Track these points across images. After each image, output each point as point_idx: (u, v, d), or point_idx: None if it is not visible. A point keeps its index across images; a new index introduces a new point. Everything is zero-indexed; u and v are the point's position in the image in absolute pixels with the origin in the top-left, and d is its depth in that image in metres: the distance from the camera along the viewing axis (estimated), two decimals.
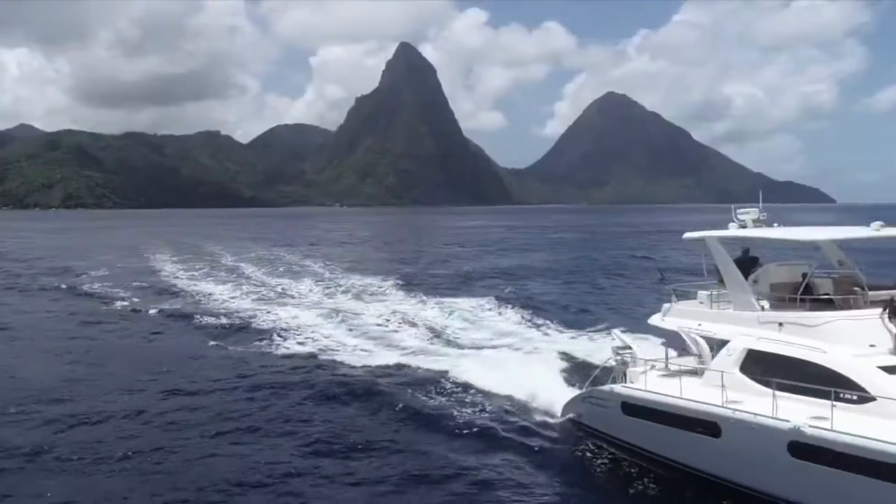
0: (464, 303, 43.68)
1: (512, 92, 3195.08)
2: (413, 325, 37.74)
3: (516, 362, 28.58)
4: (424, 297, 46.78)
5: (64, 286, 57.18)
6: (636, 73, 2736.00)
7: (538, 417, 22.31)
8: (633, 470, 18.41)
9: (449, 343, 33.61)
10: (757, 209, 19.94)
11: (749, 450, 15.47)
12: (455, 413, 22.65)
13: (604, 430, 19.99)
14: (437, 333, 35.56)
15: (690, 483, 17.05)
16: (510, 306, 41.80)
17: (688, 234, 20.99)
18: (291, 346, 33.31)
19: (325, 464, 19.04)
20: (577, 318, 38.01)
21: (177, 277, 62.57)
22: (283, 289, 53.13)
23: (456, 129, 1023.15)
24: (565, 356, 29.21)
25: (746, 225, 19.86)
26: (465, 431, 21.18)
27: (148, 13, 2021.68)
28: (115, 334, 37.82)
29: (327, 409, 23.75)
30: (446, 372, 26.86)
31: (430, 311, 41.80)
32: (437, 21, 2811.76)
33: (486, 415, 22.54)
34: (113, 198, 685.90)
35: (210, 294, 51.17)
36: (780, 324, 17.04)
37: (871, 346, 15.65)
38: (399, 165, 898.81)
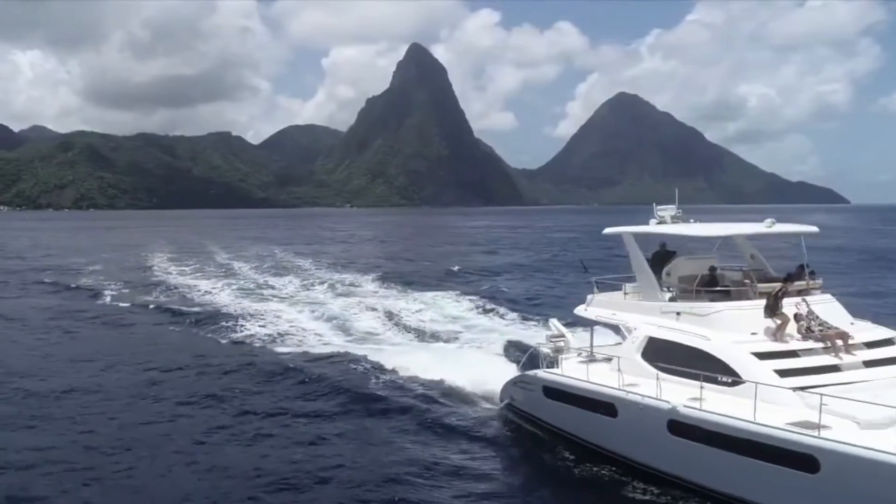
0: (436, 297, 44.38)
1: (523, 92, 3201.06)
2: (377, 317, 38.40)
3: (470, 352, 29.50)
4: (399, 292, 47.64)
5: (52, 281, 58.49)
6: (648, 73, 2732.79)
7: (480, 404, 23.11)
8: (555, 450, 19.09)
9: (410, 335, 34.30)
10: (674, 207, 20.94)
11: (638, 428, 16.52)
12: (399, 401, 23.34)
13: (531, 413, 20.93)
14: (399, 326, 36.25)
15: (597, 461, 17.87)
16: (477, 300, 42.56)
17: (607, 230, 22.26)
18: (251, 336, 34.35)
19: (259, 445, 19.63)
20: (539, 310, 38.65)
21: (168, 273, 63.77)
22: (264, 284, 54.16)
23: (467, 129, 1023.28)
24: (519, 346, 29.93)
25: (665, 221, 20.78)
26: (405, 419, 21.84)
27: (160, 15, 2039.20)
28: (89, 325, 38.76)
29: (273, 395, 24.49)
30: (399, 363, 27.47)
31: (400, 304, 42.44)
32: (449, 22, 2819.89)
33: (430, 403, 23.21)
34: (125, 199, 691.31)
35: (193, 288, 52.24)
36: (678, 313, 18.30)
37: (753, 333, 16.78)
38: (409, 166, 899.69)
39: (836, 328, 16.73)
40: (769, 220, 19.24)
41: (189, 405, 23.35)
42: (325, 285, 51.35)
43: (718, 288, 18.63)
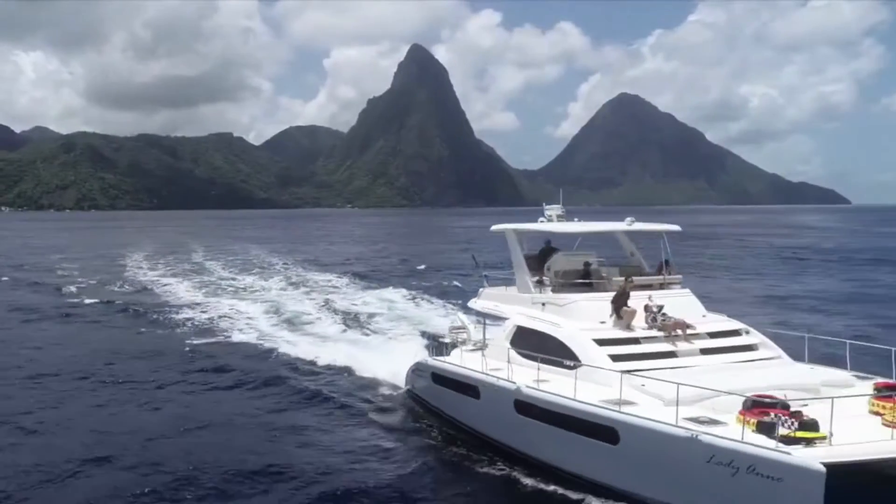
0: (386, 293, 45.37)
1: (525, 93, 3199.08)
2: (320, 311, 39.68)
3: (394, 344, 30.64)
4: (355, 288, 48.76)
5: (21, 277, 59.81)
6: (650, 73, 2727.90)
7: (388, 391, 24.31)
8: (445, 436, 19.92)
9: (344, 328, 35.29)
10: (559, 206, 22.23)
11: (494, 408, 17.75)
12: (312, 390, 24.42)
13: (425, 398, 22.23)
14: (338, 319, 37.27)
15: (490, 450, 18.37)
16: (423, 295, 43.69)
17: (494, 227, 23.48)
18: (186, 328, 35.71)
19: (168, 432, 20.30)
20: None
21: (137, 270, 65.29)
22: (226, 280, 55.39)
23: (468, 130, 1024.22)
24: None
25: (552, 220, 22.00)
26: (313, 406, 22.80)
27: (162, 15, 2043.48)
28: (51, 323, 39.40)
29: (191, 384, 25.62)
30: (324, 354, 28.68)
31: (348, 299, 43.70)
32: (451, 22, 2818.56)
33: (340, 391, 24.34)
34: (126, 199, 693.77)
35: (155, 284, 53.82)
36: (544, 304, 19.78)
37: (602, 322, 18.20)
38: (410, 167, 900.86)
39: (678, 319, 17.96)
40: (629, 218, 20.75)
41: (90, 392, 24.43)
42: (284, 281, 52.51)
43: (578, 281, 20.18)
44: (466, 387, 19.04)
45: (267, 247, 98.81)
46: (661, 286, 20.11)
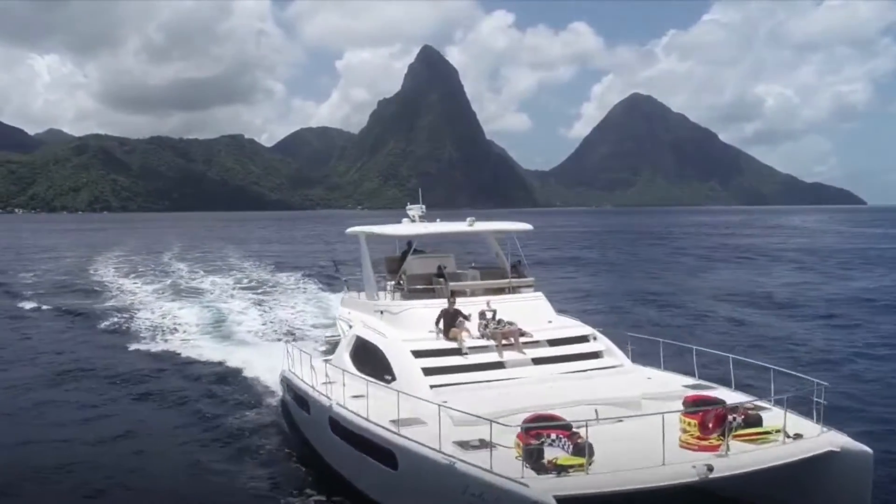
0: (330, 296, 44.89)
1: (538, 94, 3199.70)
2: (248, 314, 39.14)
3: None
4: (299, 291, 48.28)
5: None
6: (664, 73, 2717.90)
7: (267, 402, 23.17)
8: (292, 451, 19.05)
9: (268, 334, 34.49)
10: (420, 206, 21.31)
11: (319, 425, 16.73)
12: (194, 396, 23.79)
13: (286, 410, 21.24)
14: (265, 324, 36.57)
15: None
16: None
17: (349, 230, 22.85)
18: (120, 333, 35.43)
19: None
20: None
21: (101, 270, 66.12)
22: (188, 283, 55.21)
23: (479, 131, 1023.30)
24: None
25: (414, 220, 21.08)
26: (190, 414, 22.09)
27: (175, 18, 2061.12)
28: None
29: (61, 387, 25.47)
30: (233, 360, 27.98)
31: (286, 303, 43.21)
32: (464, 23, 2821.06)
33: (218, 399, 23.50)
34: (138, 201, 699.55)
35: (110, 284, 53.93)
36: (381, 312, 18.79)
37: (430, 332, 17.15)
38: (421, 168, 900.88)
39: (510, 327, 16.84)
40: (470, 218, 19.67)
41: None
42: (241, 283, 52.65)
43: (419, 287, 19.08)
44: (302, 399, 18.20)
45: (248, 248, 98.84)
46: (509, 290, 19.12)
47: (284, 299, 45.51)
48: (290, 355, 20.61)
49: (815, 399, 12.57)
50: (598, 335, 17.63)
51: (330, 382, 16.77)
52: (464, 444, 12.06)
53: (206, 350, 30.17)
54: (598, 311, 38.65)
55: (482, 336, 16.87)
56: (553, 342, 17.09)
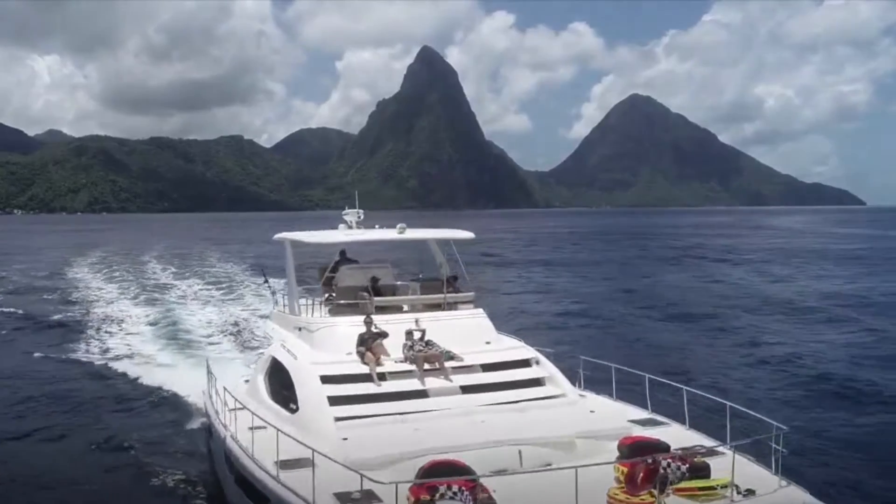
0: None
1: (538, 94, 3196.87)
2: (222, 324, 37.98)
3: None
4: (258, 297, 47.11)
5: None
6: (664, 74, 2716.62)
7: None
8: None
9: (214, 344, 33.13)
10: (357, 210, 18.86)
11: (218, 456, 15.11)
12: (124, 413, 22.86)
13: (204, 431, 19.45)
14: (239, 336, 34.87)
15: None
16: None
17: (276, 236, 20.52)
18: (57, 342, 34.64)
19: None
20: None
21: (70, 271, 67.22)
22: (153, 285, 55.30)
23: (478, 132, 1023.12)
24: None
25: (351, 225, 18.79)
26: (116, 432, 20.92)
27: (176, 19, 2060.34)
28: None
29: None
30: (176, 375, 26.33)
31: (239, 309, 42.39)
32: (464, 24, 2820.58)
33: (148, 420, 22.38)
34: (137, 202, 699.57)
35: (67, 289, 54.40)
36: (300, 328, 16.75)
37: (348, 353, 14.80)
38: (420, 169, 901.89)
39: (436, 350, 14.68)
40: (400, 225, 17.58)
41: None
42: (202, 286, 52.84)
43: (342, 302, 16.88)
44: (209, 427, 16.48)
45: (228, 248, 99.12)
46: (444, 306, 16.83)
47: (253, 305, 43.83)
48: (210, 374, 17.96)
49: (774, 445, 10.70)
50: (542, 359, 15.42)
51: (236, 409, 14.21)
52: (343, 497, 10.11)
53: (145, 361, 28.92)
54: (555, 327, 37.69)
55: (405, 360, 14.64)
56: (488, 367, 14.85)
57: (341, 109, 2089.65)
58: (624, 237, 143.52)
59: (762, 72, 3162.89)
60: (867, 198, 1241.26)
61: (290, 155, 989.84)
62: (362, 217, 18.80)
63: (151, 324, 37.95)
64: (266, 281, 23.39)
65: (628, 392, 15.33)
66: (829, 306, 44.38)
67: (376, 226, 18.63)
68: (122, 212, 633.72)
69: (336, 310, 16.85)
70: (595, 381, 15.89)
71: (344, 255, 19.65)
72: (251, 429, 12.85)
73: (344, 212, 19.11)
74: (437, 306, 17.00)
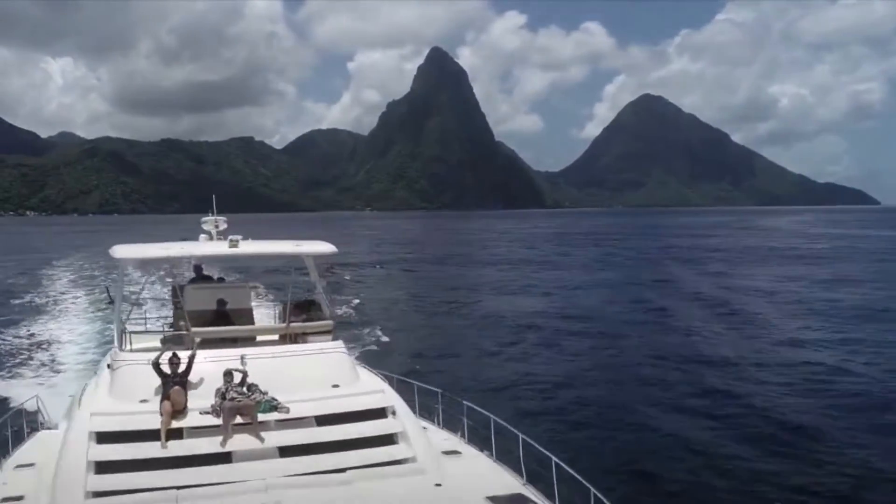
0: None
1: (550, 94, 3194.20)
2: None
3: None
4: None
5: None
6: (677, 73, 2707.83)
7: None
8: None
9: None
10: (216, 217, 16.13)
11: None
12: None
13: None
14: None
15: None
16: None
17: (117, 254, 14.96)
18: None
19: None
20: None
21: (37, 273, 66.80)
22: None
23: (488, 132, 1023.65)
24: None
25: (211, 235, 16.13)
26: None
27: (187, 21, 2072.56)
28: None
29: None
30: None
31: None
32: (476, 24, 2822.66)
33: None
34: (148, 203, 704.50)
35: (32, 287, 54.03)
36: (109, 366, 13.30)
37: (143, 401, 11.61)
38: (430, 169, 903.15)
39: (247, 399, 11.20)
40: (232, 237, 14.49)
41: None
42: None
43: (167, 332, 14.02)
44: None
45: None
46: (290, 338, 13.45)
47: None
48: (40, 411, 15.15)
49: None
50: (401, 408, 11.92)
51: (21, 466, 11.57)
52: None
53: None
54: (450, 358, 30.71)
55: (213, 410, 11.22)
56: (324, 420, 11.38)
57: (352, 110, 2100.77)
58: (618, 237, 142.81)
59: (776, 71, 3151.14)
60: (882, 197, 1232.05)
61: (301, 156, 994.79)
62: (222, 226, 16.05)
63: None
64: (111, 302, 16.89)
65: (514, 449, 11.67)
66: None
67: (240, 237, 14.97)
68: (133, 213, 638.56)
69: (169, 340, 13.33)
70: (478, 431, 12.49)
71: (200, 273, 16.73)
72: (7, 500, 10.15)
73: (203, 219, 16.34)
74: (284, 338, 13.68)
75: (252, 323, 14.67)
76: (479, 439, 12.26)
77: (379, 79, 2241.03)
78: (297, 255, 15.54)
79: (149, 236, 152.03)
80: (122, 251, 14.47)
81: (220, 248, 14.77)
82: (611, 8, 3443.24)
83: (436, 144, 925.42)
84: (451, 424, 12.88)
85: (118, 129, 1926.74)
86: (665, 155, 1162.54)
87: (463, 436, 12.56)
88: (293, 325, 13.65)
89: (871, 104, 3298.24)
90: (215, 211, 16.11)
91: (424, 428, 12.19)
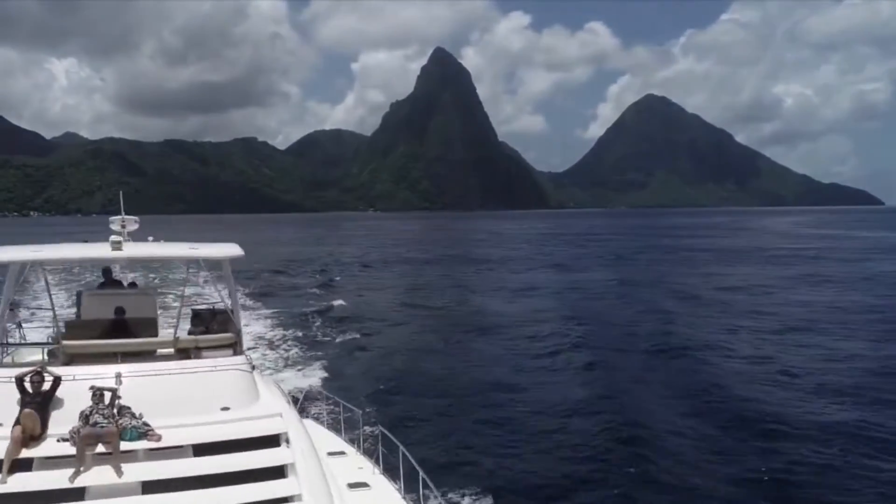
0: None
1: (554, 95, 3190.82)
2: None
3: None
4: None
5: None
6: (681, 73, 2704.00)
7: None
8: None
9: None
10: (124, 217, 13.88)
11: None
12: None
13: None
14: None
15: None
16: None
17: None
18: None
19: None
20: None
21: None
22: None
23: (491, 133, 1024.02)
24: None
25: (121, 236, 13.72)
26: None
27: (192, 22, 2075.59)
28: None
29: None
30: None
31: None
32: (480, 25, 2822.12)
33: None
34: (152, 203, 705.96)
35: None
36: None
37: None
38: (433, 170, 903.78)
39: (106, 427, 9.28)
40: (113, 238, 12.45)
41: None
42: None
43: (49, 343, 12.25)
44: None
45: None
46: (177, 352, 11.55)
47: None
48: None
49: None
50: (297, 436, 10.03)
51: None
52: None
53: None
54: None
55: (71, 437, 9.42)
56: (204, 449, 9.61)
57: (355, 111, 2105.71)
58: (596, 238, 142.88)
59: (780, 71, 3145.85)
60: (886, 198, 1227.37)
61: (305, 156, 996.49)
62: (132, 227, 14.14)
63: None
64: (16, 318, 15.34)
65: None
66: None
67: (149, 238, 13.60)
68: (136, 213, 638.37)
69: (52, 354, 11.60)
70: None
71: (109, 277, 15.16)
72: None
73: (110, 219, 14.36)
74: (183, 352, 11.79)
75: (156, 334, 12.64)
76: (395, 469, 10.89)
77: (382, 79, 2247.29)
78: (193, 260, 13.43)
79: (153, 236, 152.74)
80: (16, 253, 12.43)
81: (101, 251, 12.60)
82: (616, 8, 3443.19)
83: (439, 145, 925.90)
84: (372, 451, 11.37)
85: (123, 129, 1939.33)
86: (669, 155, 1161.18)
87: (378, 462, 11.15)
88: (183, 338, 11.82)
89: (876, 104, 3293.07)
90: (123, 209, 14.20)
91: (342, 453, 11.03)
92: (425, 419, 20.17)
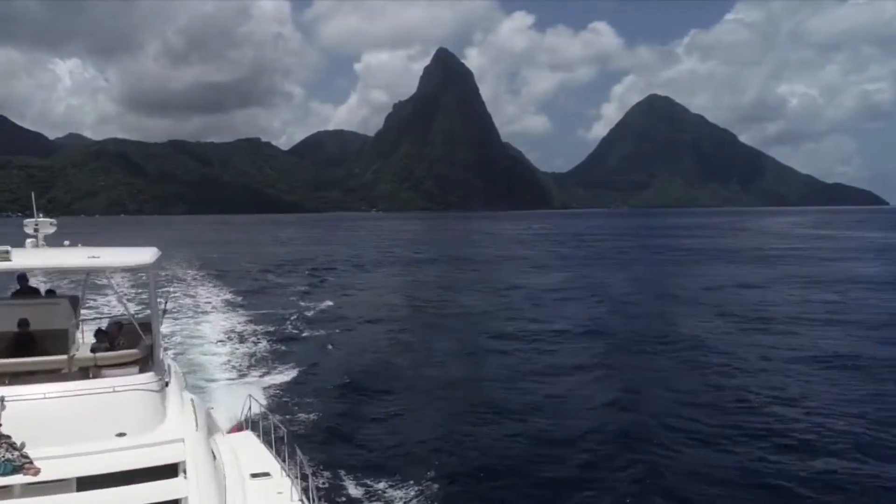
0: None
1: (557, 95, 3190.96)
2: None
3: None
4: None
5: None
6: (685, 73, 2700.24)
7: None
8: None
9: None
10: (38, 220, 13.34)
11: None
12: None
13: None
14: None
15: None
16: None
17: None
18: None
19: None
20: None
21: None
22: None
23: (494, 133, 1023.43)
24: None
25: (37, 239, 13.32)
26: None
27: (195, 22, 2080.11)
28: None
29: None
30: None
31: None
32: (483, 25, 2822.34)
33: None
34: (155, 204, 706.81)
35: None
36: None
37: None
38: (436, 170, 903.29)
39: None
40: (3, 248, 10.61)
41: None
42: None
43: None
44: None
45: (192, 250, 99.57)
46: (69, 373, 10.28)
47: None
48: None
49: None
50: (199, 465, 8.80)
51: None
52: None
53: None
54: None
55: None
56: (88, 483, 8.31)
57: (359, 111, 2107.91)
58: (591, 239, 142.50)
59: (784, 71, 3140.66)
60: (891, 198, 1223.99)
61: (308, 157, 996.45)
62: (48, 230, 13.31)
63: None
64: None
65: None
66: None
67: (66, 242, 12.64)
68: (139, 214, 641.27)
69: None
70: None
71: (24, 285, 14.07)
72: None
73: (25, 221, 13.58)
74: (84, 371, 10.52)
75: (65, 349, 11.28)
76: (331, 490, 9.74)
77: (385, 80, 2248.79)
78: (94, 270, 12.26)
79: (141, 237, 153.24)
80: None
81: (26, 257, 11.62)
82: (619, 8, 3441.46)
83: (442, 145, 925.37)
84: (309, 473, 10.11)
85: (126, 130, 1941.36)
86: (673, 155, 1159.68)
87: (306, 491, 9.74)
88: (79, 356, 10.58)
89: (880, 104, 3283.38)
90: (36, 211, 13.42)
91: (267, 474, 9.91)
92: (382, 419, 19.77)
